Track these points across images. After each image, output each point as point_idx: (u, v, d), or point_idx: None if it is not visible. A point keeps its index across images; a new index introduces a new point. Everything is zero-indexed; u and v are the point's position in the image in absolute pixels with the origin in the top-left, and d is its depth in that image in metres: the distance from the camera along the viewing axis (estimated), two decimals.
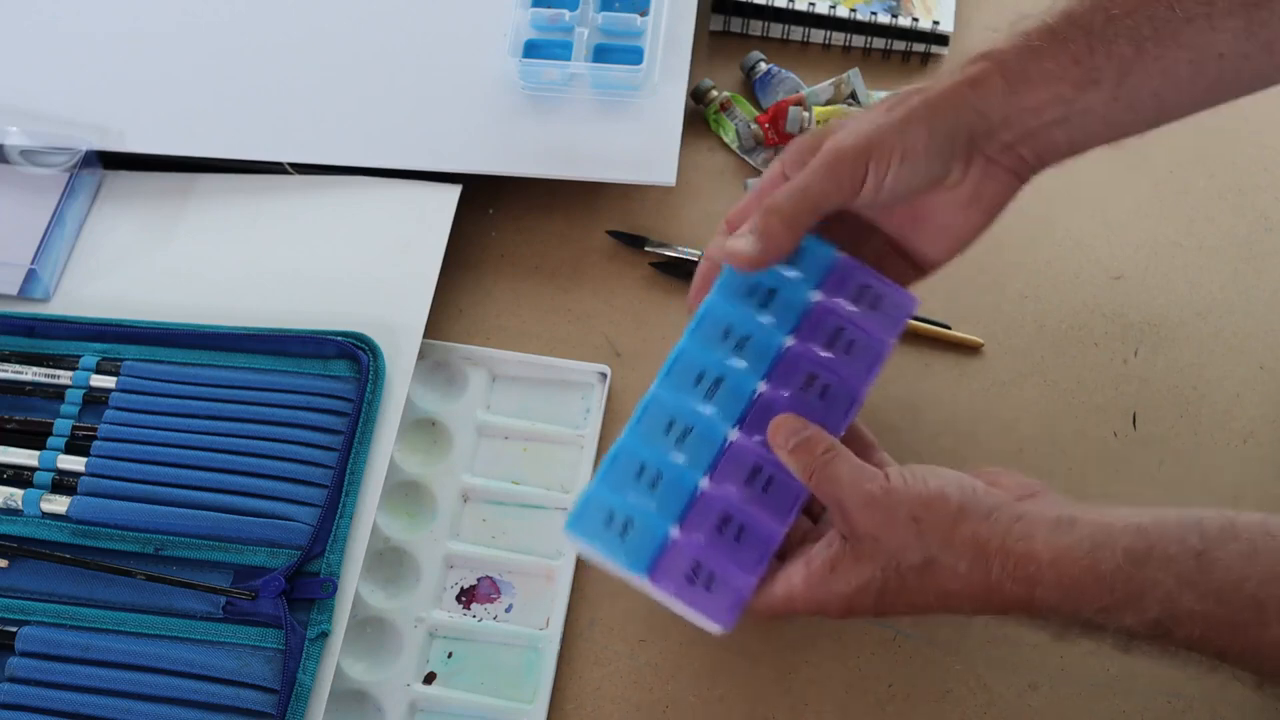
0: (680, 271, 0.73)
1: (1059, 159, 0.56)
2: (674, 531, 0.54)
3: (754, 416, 0.56)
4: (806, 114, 0.77)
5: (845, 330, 0.57)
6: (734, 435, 0.56)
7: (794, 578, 0.53)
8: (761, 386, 0.56)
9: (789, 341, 0.57)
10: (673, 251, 0.74)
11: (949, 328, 0.71)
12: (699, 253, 0.73)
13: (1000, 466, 0.54)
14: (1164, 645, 0.47)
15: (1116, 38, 0.53)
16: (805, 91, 0.79)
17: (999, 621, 0.62)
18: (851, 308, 0.58)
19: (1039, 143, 0.55)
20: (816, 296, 0.58)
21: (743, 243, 0.55)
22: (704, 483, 0.55)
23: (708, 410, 0.56)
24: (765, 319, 0.58)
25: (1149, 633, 0.47)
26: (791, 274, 0.58)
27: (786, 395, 0.56)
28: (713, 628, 0.53)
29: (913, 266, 0.60)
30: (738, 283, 0.58)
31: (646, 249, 0.74)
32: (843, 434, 0.56)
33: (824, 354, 0.57)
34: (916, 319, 0.67)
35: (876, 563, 0.51)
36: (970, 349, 0.71)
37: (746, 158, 0.78)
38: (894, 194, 0.55)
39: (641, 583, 0.54)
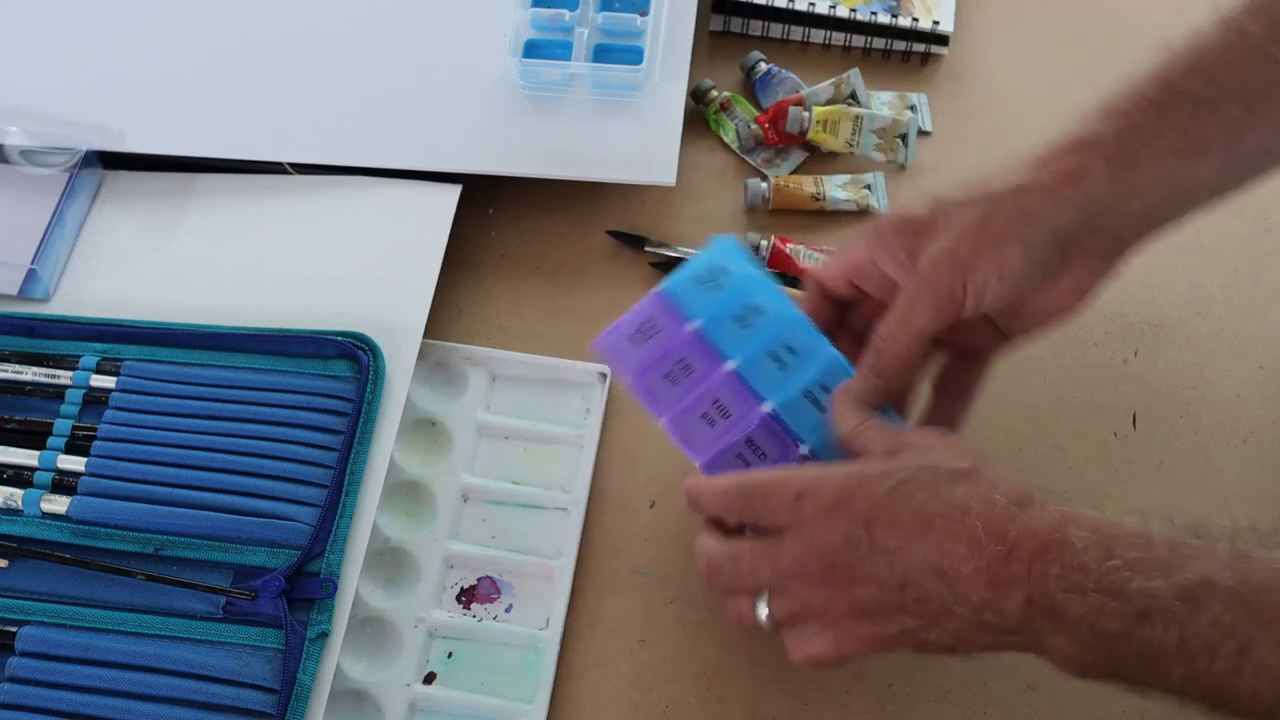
0: None
1: (1160, 230, 0.55)
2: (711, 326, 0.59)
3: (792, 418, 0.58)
4: (806, 114, 0.77)
5: None
6: (768, 407, 0.58)
7: (808, 468, 0.53)
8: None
9: None
10: (672, 251, 0.74)
11: None
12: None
13: None
14: (1180, 637, 0.44)
15: (1223, 102, 0.52)
16: (805, 91, 0.79)
17: None
18: None
19: (1142, 222, 0.54)
20: None
21: (862, 384, 0.56)
22: (732, 364, 0.58)
23: (797, 380, 0.58)
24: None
25: (1175, 601, 0.44)
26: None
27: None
28: (607, 358, 0.59)
29: (1001, 335, 0.60)
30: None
31: (646, 249, 0.74)
32: None
33: None
34: None
35: (912, 458, 0.50)
36: None
37: (747, 158, 0.78)
38: (993, 307, 0.55)
39: (651, 300, 0.59)
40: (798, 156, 0.78)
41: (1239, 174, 0.54)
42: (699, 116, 0.80)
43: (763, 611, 0.53)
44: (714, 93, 0.79)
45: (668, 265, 0.73)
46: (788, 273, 0.73)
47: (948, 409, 0.60)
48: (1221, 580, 0.44)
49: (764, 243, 0.73)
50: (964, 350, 0.60)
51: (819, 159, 0.79)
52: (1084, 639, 0.46)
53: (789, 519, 0.51)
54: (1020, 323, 0.58)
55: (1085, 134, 0.53)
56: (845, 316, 0.61)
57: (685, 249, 0.74)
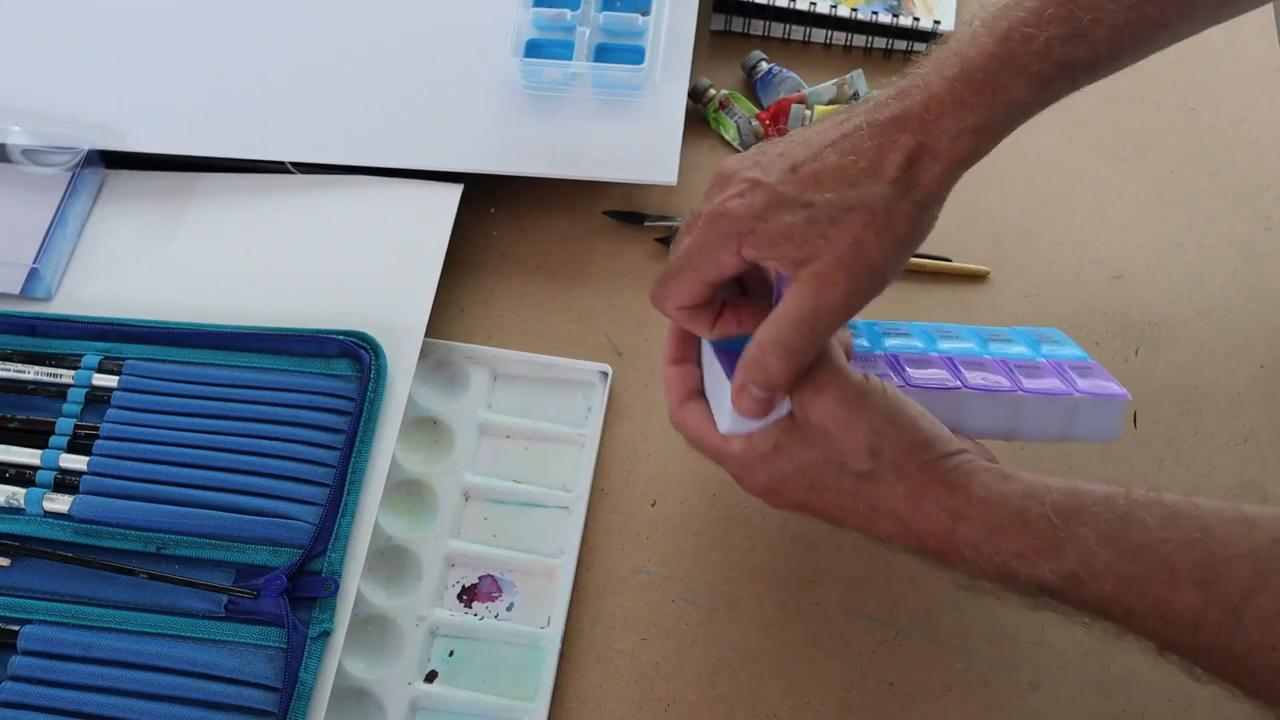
0: None
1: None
2: None
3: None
4: (809, 112, 0.77)
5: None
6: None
7: (733, 440, 0.54)
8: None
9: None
10: (674, 222, 0.74)
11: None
12: None
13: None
14: (1073, 600, 0.48)
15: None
16: (808, 90, 0.79)
17: (999, 620, 0.62)
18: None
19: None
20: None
21: (749, 402, 0.53)
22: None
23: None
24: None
25: (1061, 584, 0.48)
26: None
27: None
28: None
29: None
30: None
31: (646, 224, 0.74)
32: None
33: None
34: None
35: (820, 453, 0.52)
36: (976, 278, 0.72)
37: None
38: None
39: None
40: None
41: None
42: (698, 115, 0.80)
43: None
44: (711, 91, 0.79)
45: (674, 234, 0.74)
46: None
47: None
48: (1098, 559, 0.47)
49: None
50: None
51: None
52: (998, 587, 0.51)
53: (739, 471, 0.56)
54: None
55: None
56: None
57: (685, 217, 0.74)
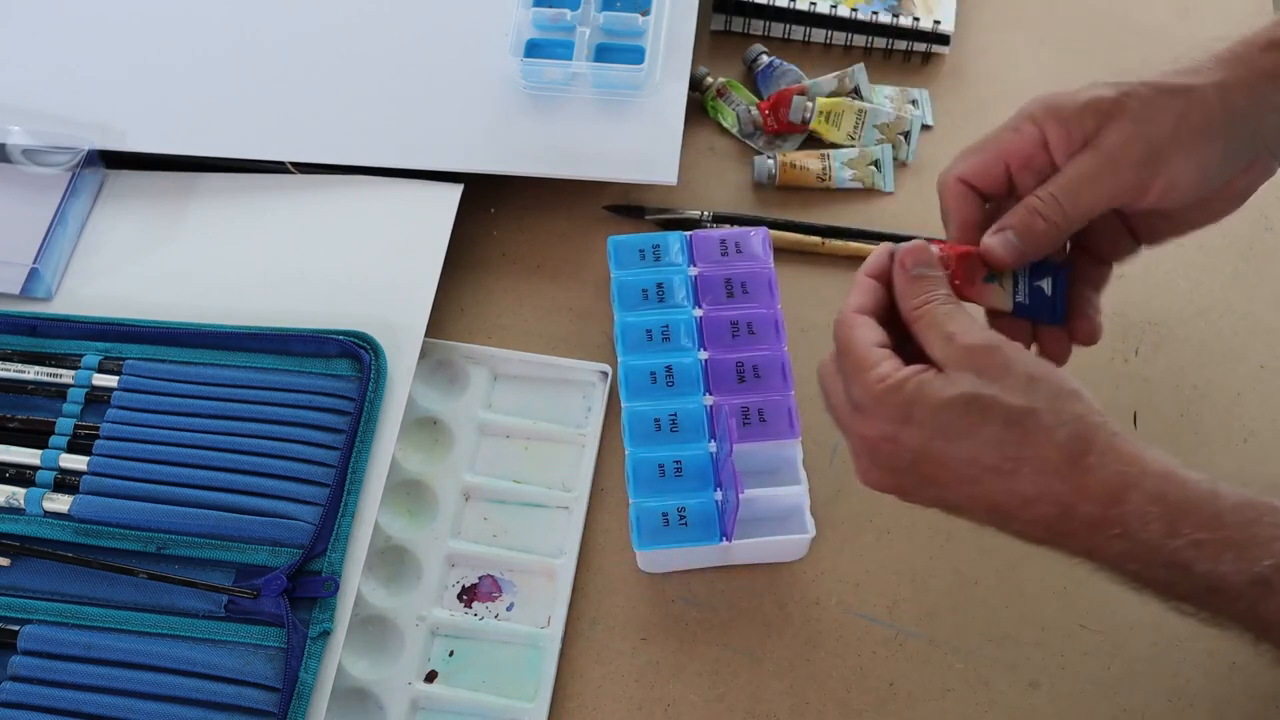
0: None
1: None
2: (716, 494, 0.63)
3: (713, 379, 0.66)
4: (810, 104, 0.77)
5: (731, 278, 0.69)
6: (709, 400, 0.65)
7: (883, 364, 0.48)
8: (702, 355, 0.67)
9: (698, 311, 0.68)
10: (675, 214, 0.75)
11: None
12: (699, 212, 0.75)
13: None
14: (1248, 608, 0.42)
15: None
16: (809, 83, 0.79)
17: (999, 620, 0.62)
18: (723, 259, 0.69)
19: None
20: (693, 270, 0.69)
21: (999, 242, 0.52)
22: (710, 445, 0.64)
23: (677, 399, 0.65)
24: (668, 308, 0.68)
25: (1245, 588, 0.42)
26: (666, 264, 0.70)
27: (722, 349, 0.67)
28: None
29: (1133, 239, 0.57)
30: (633, 297, 0.69)
31: (647, 217, 0.75)
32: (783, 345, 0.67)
33: (728, 301, 0.68)
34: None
35: (965, 383, 0.46)
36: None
37: (748, 141, 0.78)
38: (1176, 204, 0.52)
39: (724, 550, 0.62)
40: (797, 140, 0.78)
41: None
42: (697, 105, 0.80)
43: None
44: (709, 79, 0.79)
45: (675, 224, 0.74)
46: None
47: (1072, 324, 0.57)
48: None
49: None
50: (1089, 254, 0.57)
51: (819, 149, 0.78)
52: (1152, 584, 0.45)
53: (850, 415, 0.49)
54: (1169, 225, 0.55)
55: None
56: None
57: (689, 210, 0.75)
